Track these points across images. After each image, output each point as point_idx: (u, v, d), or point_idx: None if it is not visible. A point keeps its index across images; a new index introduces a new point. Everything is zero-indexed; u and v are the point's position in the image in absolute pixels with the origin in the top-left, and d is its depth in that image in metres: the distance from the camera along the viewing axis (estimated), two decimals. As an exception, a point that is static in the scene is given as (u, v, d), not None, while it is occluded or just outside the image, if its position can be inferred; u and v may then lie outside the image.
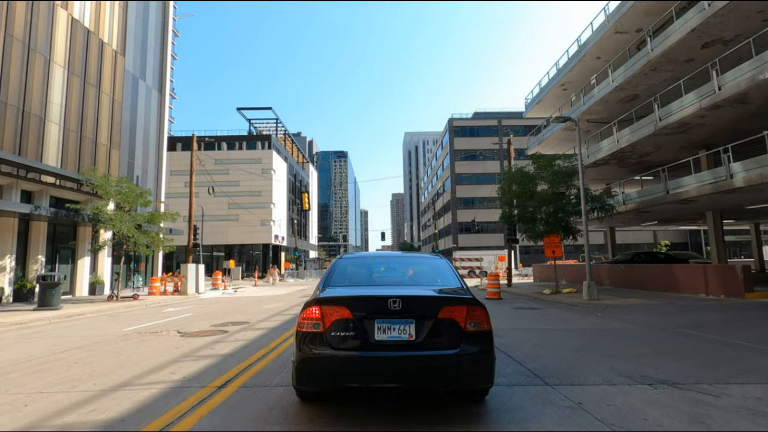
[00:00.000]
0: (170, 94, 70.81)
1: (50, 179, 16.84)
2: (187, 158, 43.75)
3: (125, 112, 22.97)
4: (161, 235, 18.50)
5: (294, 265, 49.51)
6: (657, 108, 17.29)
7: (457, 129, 64.62)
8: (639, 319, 9.69)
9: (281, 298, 18.08)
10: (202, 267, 21.78)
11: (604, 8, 20.76)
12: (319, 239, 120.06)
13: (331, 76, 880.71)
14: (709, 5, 14.10)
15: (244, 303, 15.83)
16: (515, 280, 29.76)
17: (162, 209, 24.54)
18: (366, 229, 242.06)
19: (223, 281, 25.15)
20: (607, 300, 13.64)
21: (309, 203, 56.16)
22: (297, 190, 70.67)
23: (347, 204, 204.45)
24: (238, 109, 65.26)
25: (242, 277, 44.09)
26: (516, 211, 19.12)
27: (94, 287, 19.83)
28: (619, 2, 19.47)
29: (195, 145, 24.59)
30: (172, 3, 29.37)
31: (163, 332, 8.72)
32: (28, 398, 4.31)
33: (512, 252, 26.11)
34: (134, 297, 16.77)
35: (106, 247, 17.57)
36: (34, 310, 12.71)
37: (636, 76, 18.59)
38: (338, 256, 4.98)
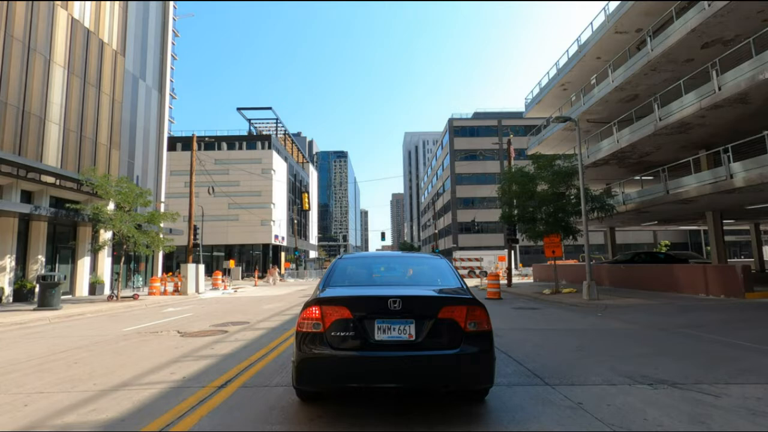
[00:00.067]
0: (170, 94, 70.83)
1: (50, 179, 16.84)
2: (187, 158, 43.75)
3: (125, 112, 22.97)
4: (161, 235, 18.50)
5: (294, 265, 49.52)
6: (657, 108, 17.29)
7: (457, 129, 64.62)
8: (639, 319, 9.69)
9: (281, 298, 18.08)
10: (202, 267, 21.78)
11: (604, 8, 20.76)
12: (319, 239, 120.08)
13: (331, 76, 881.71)
14: (709, 5, 14.10)
15: (244, 303, 15.83)
16: (515, 280, 29.76)
17: (162, 209, 24.54)
18: (366, 229, 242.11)
19: (223, 281, 25.15)
20: (607, 300, 13.64)
21: (309, 203, 56.16)
22: (297, 190, 70.68)
23: (347, 204, 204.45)
24: (238, 109, 65.30)
25: (242, 277, 44.09)
26: (516, 211, 19.12)
27: (94, 287, 19.83)
28: (619, 2, 19.47)
29: (195, 145, 24.60)
30: (172, 3, 29.37)
31: (163, 332, 8.72)
32: (28, 398, 4.31)
33: (512, 252, 26.11)
34: (134, 297, 16.77)
35: (106, 247, 17.57)
36: (34, 310, 12.71)
37: (636, 76, 18.59)
38: (338, 256, 4.98)
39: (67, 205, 18.17)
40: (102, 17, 20.70)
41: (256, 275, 34.40)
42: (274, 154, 55.16)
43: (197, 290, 20.72)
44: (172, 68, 66.50)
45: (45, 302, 12.71)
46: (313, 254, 79.78)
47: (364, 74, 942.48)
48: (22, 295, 15.99)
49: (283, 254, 58.51)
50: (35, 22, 16.67)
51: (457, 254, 43.16)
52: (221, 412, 3.77)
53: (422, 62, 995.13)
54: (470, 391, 3.82)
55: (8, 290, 15.76)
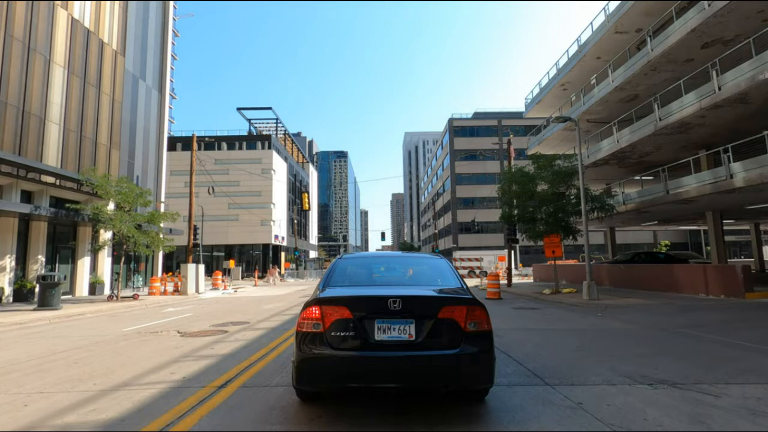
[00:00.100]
0: (170, 94, 70.83)
1: (50, 179, 16.84)
2: (187, 158, 43.75)
3: (125, 112, 22.97)
4: (161, 235, 18.51)
5: (294, 265, 49.52)
6: (657, 108, 17.29)
7: (457, 129, 64.63)
8: (639, 319, 9.69)
9: (281, 298, 18.08)
10: (202, 267, 21.78)
11: (604, 8, 20.76)
12: (319, 239, 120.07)
13: (331, 76, 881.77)
14: (709, 5, 14.10)
15: (244, 303, 15.83)
16: (515, 280, 29.76)
17: (162, 209, 24.54)
18: (366, 229, 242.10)
19: (223, 281, 25.15)
20: (607, 300, 13.64)
21: (309, 203, 56.17)
22: (297, 190, 70.68)
23: (347, 204, 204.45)
24: (238, 109, 65.30)
25: (242, 277, 44.10)
26: (516, 211, 19.13)
27: (94, 287, 19.83)
28: (619, 2, 19.47)
29: (195, 145, 24.60)
30: (172, 3, 29.37)
31: (163, 332, 8.72)
32: (28, 398, 4.31)
33: (512, 252, 26.11)
34: (134, 297, 16.77)
35: (106, 247, 17.57)
36: (34, 310, 12.71)
37: (636, 76, 18.59)
38: (338, 256, 4.97)
39: (67, 205, 18.17)
40: (102, 17, 20.70)
41: (256, 275, 34.40)
42: (274, 154, 55.16)
43: (197, 290, 20.72)
44: (172, 68, 66.51)
45: (45, 302, 12.71)
46: (313, 254, 79.78)
47: (364, 74, 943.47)
48: (22, 295, 16.00)
49: (283, 254, 58.52)
50: (35, 22, 16.67)
51: (457, 254, 43.16)
52: (221, 412, 3.77)
53: (422, 62, 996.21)
54: (470, 391, 3.82)
55: (8, 290, 15.76)
